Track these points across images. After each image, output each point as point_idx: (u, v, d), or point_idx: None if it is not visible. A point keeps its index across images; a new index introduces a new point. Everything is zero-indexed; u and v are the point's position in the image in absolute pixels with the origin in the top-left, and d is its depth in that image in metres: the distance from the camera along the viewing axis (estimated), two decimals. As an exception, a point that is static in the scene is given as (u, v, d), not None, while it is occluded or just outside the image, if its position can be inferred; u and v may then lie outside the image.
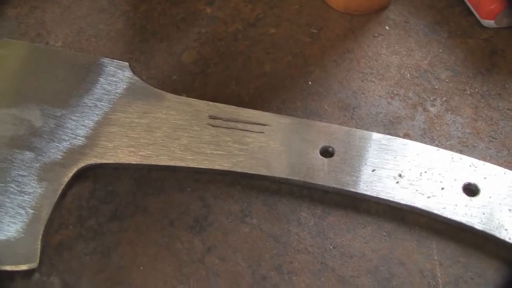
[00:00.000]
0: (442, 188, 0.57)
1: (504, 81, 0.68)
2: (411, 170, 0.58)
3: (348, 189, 0.58)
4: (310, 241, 0.57)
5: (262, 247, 0.57)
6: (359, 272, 0.55)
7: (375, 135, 0.61)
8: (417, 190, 0.57)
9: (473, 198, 0.58)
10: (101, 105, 0.65)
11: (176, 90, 0.68)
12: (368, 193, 0.58)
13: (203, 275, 0.55)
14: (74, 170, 0.61)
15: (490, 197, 0.57)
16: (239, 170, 0.60)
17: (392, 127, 0.64)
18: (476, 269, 0.56)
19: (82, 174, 0.62)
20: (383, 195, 0.58)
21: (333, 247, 0.57)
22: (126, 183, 0.62)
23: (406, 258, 0.56)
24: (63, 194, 0.61)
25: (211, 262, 0.56)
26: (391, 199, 0.58)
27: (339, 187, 0.58)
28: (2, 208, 0.58)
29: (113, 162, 0.61)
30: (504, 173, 0.58)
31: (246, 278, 0.55)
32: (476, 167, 0.59)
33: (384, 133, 0.62)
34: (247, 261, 0.56)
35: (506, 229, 0.56)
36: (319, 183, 0.58)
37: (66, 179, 0.60)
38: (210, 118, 0.63)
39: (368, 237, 0.57)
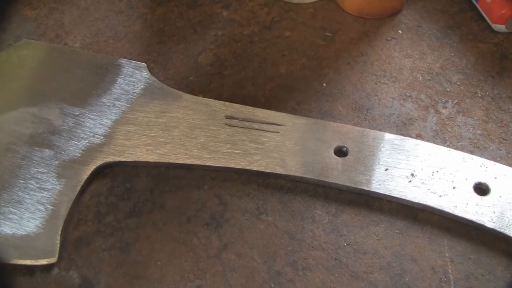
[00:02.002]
0: (454, 187, 0.58)
1: (514, 85, 0.69)
2: (423, 170, 0.60)
3: (361, 187, 0.59)
4: (324, 238, 0.58)
5: (277, 244, 0.58)
6: (372, 268, 0.57)
7: (388, 136, 0.62)
8: (429, 189, 0.59)
9: (483, 197, 0.59)
10: (119, 104, 0.66)
11: (193, 91, 0.69)
12: (381, 191, 0.59)
13: (219, 270, 0.56)
14: (92, 167, 0.62)
15: (500, 196, 0.58)
16: (255, 168, 0.61)
17: (404, 128, 0.66)
18: (487, 266, 0.57)
19: (101, 172, 0.63)
20: (396, 193, 0.59)
21: (346, 244, 0.58)
22: (144, 180, 0.63)
23: (418, 255, 0.57)
24: (82, 191, 0.61)
25: (227, 258, 0.57)
26: (403, 197, 0.59)
27: (352, 185, 0.60)
28: (22, 204, 0.59)
29: (131, 160, 0.62)
30: (515, 174, 0.59)
31: (262, 273, 0.56)
32: (486, 167, 0.60)
33: (397, 134, 0.63)
34: (263, 257, 0.57)
35: (516, 228, 0.56)
36: (333, 181, 0.60)
37: (85, 177, 0.61)
38: (226, 118, 0.64)
39: (381, 234, 0.58)
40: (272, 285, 0.56)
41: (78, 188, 0.61)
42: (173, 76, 0.71)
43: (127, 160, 0.62)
